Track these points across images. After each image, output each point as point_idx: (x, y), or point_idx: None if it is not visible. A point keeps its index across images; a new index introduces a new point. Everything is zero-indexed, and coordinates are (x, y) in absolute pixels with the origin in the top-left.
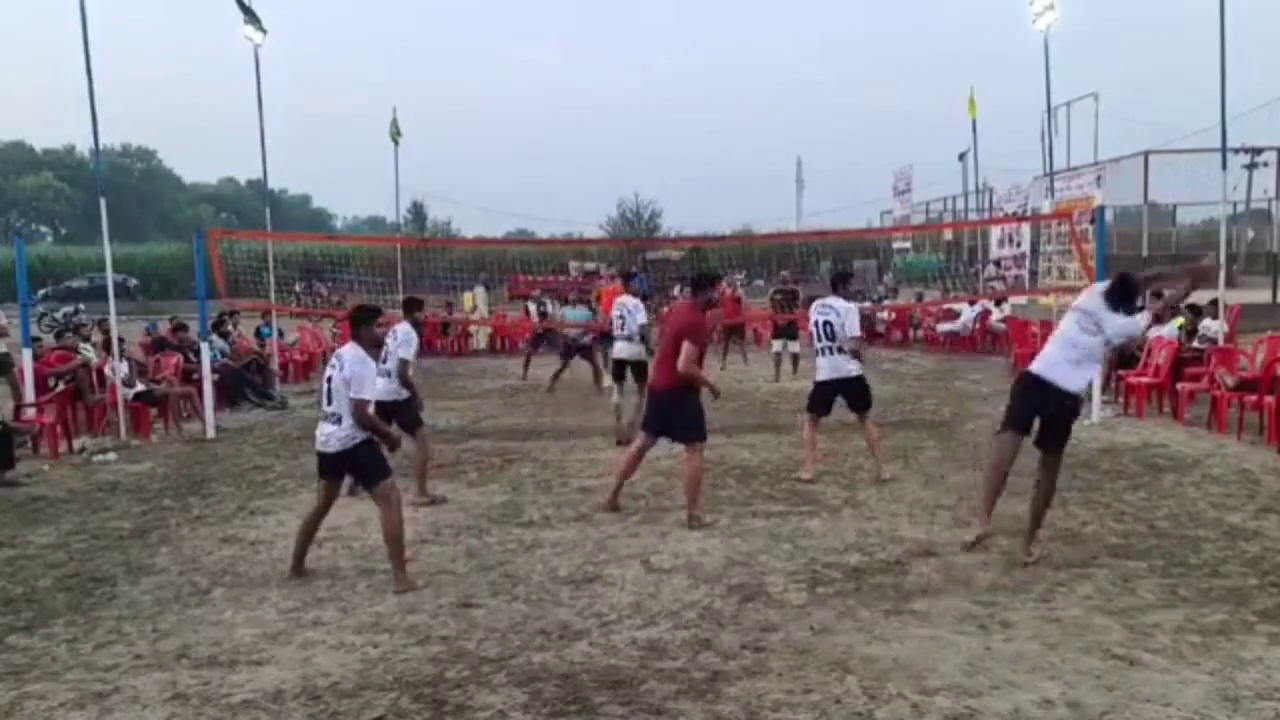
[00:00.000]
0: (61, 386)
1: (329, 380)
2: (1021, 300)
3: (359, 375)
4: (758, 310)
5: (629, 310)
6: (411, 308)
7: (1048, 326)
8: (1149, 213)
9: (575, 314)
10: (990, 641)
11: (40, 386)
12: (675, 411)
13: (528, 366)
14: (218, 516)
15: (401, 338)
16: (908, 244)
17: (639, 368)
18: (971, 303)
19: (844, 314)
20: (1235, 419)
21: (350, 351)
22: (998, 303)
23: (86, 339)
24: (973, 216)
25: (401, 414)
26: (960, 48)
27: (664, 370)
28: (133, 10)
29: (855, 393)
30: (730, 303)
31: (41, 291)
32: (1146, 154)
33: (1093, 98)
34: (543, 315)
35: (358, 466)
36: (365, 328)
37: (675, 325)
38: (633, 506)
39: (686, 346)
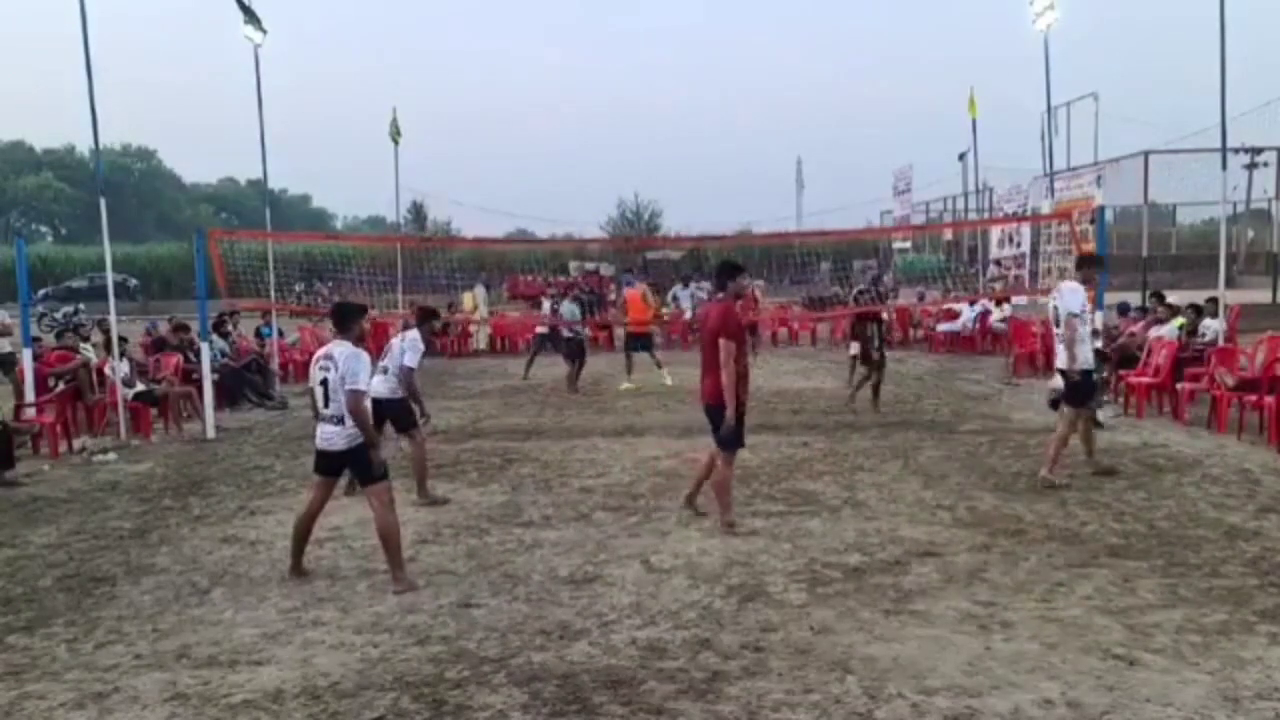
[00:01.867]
0: (62, 386)
1: (324, 383)
2: (1022, 300)
3: (353, 368)
4: (776, 310)
5: None
6: (426, 316)
7: (1048, 326)
8: (1149, 213)
9: (570, 309)
10: (990, 641)
11: (40, 386)
12: (722, 422)
13: (530, 367)
14: (218, 516)
15: (409, 343)
16: (908, 244)
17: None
18: (972, 303)
19: (1065, 294)
20: (1235, 419)
21: (340, 348)
22: (998, 303)
23: (86, 339)
24: (973, 217)
25: (396, 413)
26: (961, 48)
27: (712, 381)
28: (133, 10)
29: (1070, 387)
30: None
31: (42, 291)
32: (1146, 154)
33: (1092, 98)
34: (554, 312)
35: (359, 463)
36: (353, 322)
37: (710, 327)
38: (632, 506)
39: (724, 344)
